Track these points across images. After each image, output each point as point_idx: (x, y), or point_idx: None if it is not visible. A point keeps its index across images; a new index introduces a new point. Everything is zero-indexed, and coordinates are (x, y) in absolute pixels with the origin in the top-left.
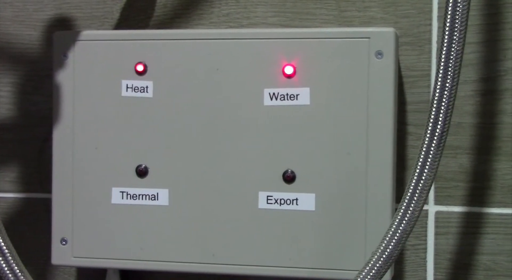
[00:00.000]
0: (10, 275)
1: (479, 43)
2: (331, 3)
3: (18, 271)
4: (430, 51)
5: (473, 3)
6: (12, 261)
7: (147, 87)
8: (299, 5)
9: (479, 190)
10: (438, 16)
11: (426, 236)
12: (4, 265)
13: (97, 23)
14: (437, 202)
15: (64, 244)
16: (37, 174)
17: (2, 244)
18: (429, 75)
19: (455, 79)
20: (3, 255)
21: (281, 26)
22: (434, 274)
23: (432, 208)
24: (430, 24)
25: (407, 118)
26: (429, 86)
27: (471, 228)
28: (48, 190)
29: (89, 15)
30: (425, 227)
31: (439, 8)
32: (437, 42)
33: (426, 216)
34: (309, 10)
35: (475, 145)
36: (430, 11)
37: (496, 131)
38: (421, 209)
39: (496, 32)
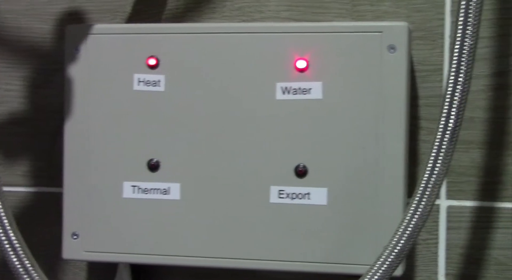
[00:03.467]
0: (21, 270)
1: (491, 37)
2: None
3: (29, 265)
4: (442, 46)
5: None
6: (23, 255)
7: (159, 81)
8: None
9: (491, 185)
10: (451, 11)
11: (437, 230)
12: (15, 260)
13: (109, 17)
14: (449, 196)
15: (75, 238)
16: (48, 168)
17: (13, 238)
18: (441, 69)
19: (468, 74)
20: (14, 250)
21: (293, 20)
22: (446, 269)
23: (444, 203)
24: (443, 19)
25: (419, 113)
26: (441, 80)
27: (483, 223)
28: (59, 184)
29: (101, 8)
30: (436, 221)
31: (452, 2)
32: (450, 36)
33: (438, 210)
34: (322, 4)
35: (487, 140)
36: (443, 6)
37: (508, 126)
38: (433, 204)
39: (509, 27)
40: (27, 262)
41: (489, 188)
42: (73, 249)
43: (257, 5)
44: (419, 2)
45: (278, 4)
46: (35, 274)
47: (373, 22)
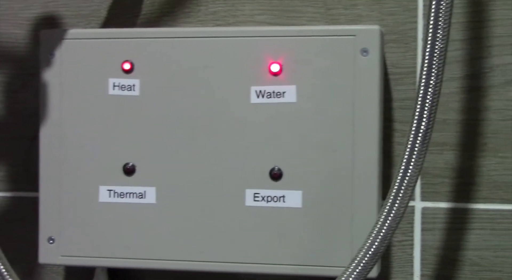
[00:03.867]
0: None
1: (464, 40)
2: (318, 1)
3: (4, 270)
4: (415, 49)
5: (457, 0)
6: None
7: (134, 85)
8: (286, 3)
9: (465, 186)
10: (424, 14)
11: (412, 232)
12: None
13: (84, 22)
14: (424, 198)
15: (51, 243)
16: (25, 172)
17: None
18: (414, 72)
19: (439, 77)
20: None
21: (268, 24)
22: (421, 270)
23: (418, 204)
24: (416, 22)
25: (393, 115)
26: (415, 83)
27: (457, 224)
28: (36, 188)
29: (76, 13)
30: (411, 223)
31: (424, 5)
32: (423, 39)
33: (413, 212)
34: (296, 8)
35: (461, 141)
36: (416, 9)
37: (481, 128)
38: (407, 206)
39: (481, 30)
40: (2, 267)
41: (463, 189)
42: (50, 253)
43: (231, 9)
44: (392, 5)
45: (253, 8)
46: (11, 279)
47: (346, 25)
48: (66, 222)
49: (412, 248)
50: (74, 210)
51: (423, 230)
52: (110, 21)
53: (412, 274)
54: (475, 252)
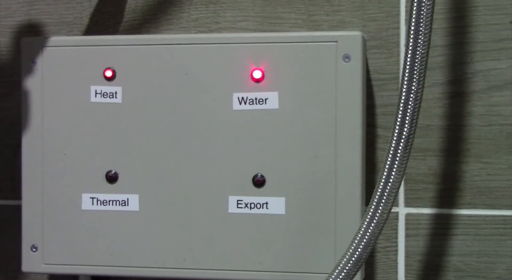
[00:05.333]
0: None
1: (446, 46)
2: (300, 7)
3: None
4: (398, 54)
5: (439, 6)
6: None
7: (116, 93)
8: (268, 9)
9: (448, 192)
10: (406, 20)
11: (396, 238)
12: None
13: (67, 29)
14: (407, 204)
15: (34, 251)
16: (9, 180)
17: None
18: (397, 78)
19: (421, 82)
20: None
21: (250, 30)
22: (405, 276)
23: (402, 210)
24: (398, 28)
25: (376, 121)
26: (397, 89)
27: (441, 230)
28: (20, 196)
29: (58, 21)
30: (395, 229)
31: (406, 11)
32: (405, 45)
33: (397, 218)
34: (278, 15)
35: (444, 147)
36: (398, 15)
37: (464, 133)
38: (390, 212)
39: (463, 35)
40: None
41: (446, 195)
42: (33, 261)
43: (213, 16)
44: (374, 11)
45: (235, 15)
46: None
47: (328, 32)
48: (49, 230)
49: (396, 254)
50: (57, 218)
51: (407, 236)
52: (93, 29)
53: None
54: (459, 258)
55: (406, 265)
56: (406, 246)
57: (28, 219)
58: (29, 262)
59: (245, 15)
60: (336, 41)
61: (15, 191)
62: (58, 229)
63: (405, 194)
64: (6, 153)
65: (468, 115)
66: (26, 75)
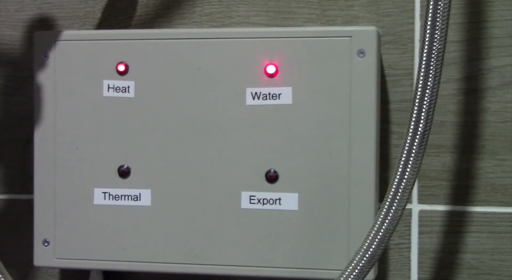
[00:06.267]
0: None
1: (461, 41)
2: (314, 2)
3: None
4: (413, 50)
5: (455, 1)
6: None
7: (128, 87)
8: (282, 4)
9: (462, 189)
10: (421, 15)
11: (410, 235)
12: None
13: (79, 23)
14: (421, 201)
15: (46, 246)
16: (20, 175)
17: None
18: (412, 73)
19: (437, 78)
20: None
21: (263, 25)
22: (418, 273)
23: (415, 207)
24: (413, 23)
25: (390, 117)
26: (412, 85)
27: (454, 227)
28: (31, 191)
29: (70, 15)
30: (408, 226)
31: (421, 6)
32: (420, 40)
33: (410, 215)
34: (291, 9)
35: (458, 144)
36: (413, 10)
37: (479, 130)
38: (404, 208)
39: (479, 31)
40: None
41: (460, 192)
42: (45, 256)
43: (226, 10)
44: (388, 6)
45: (248, 9)
46: None
47: (343, 27)
48: (61, 225)
49: (409, 251)
50: (69, 213)
51: (420, 233)
52: (105, 23)
53: (409, 277)
54: (472, 255)
55: (419, 262)
56: (419, 243)
57: (40, 213)
58: (41, 256)
59: (258, 10)
60: (351, 36)
61: (25, 185)
62: (70, 223)
63: (419, 191)
64: (16, 148)
65: (483, 111)
66: (39, 69)
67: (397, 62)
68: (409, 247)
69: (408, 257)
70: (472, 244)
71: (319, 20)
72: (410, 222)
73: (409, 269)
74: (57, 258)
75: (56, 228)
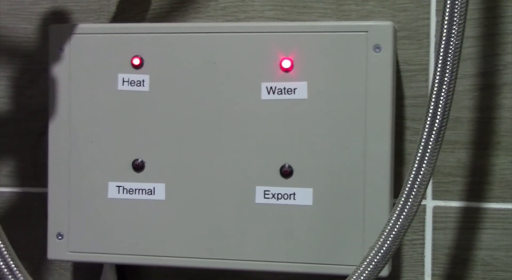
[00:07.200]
0: (5, 270)
1: (477, 37)
2: None
3: (13, 266)
4: (428, 45)
5: None
6: (8, 255)
7: (143, 81)
8: None
9: (477, 185)
10: (437, 10)
11: (424, 231)
12: None
13: (93, 17)
14: (435, 196)
15: (60, 239)
16: (33, 168)
17: None
18: (427, 69)
19: (454, 74)
20: None
21: (278, 19)
22: (432, 269)
23: (430, 203)
24: (429, 18)
25: (404, 113)
26: (427, 80)
27: (469, 223)
28: (43, 184)
29: (85, 8)
30: (423, 222)
31: (437, 1)
32: (436, 36)
33: (424, 211)
34: (306, 4)
35: (473, 140)
36: (429, 5)
37: (494, 126)
38: (419, 204)
39: (495, 26)
40: (11, 262)
41: (475, 188)
42: (58, 249)
43: (241, 4)
44: (404, 1)
45: (263, 3)
46: (20, 275)
47: (359, 21)
48: (75, 218)
49: (423, 247)
50: (83, 206)
51: (434, 229)
52: (119, 16)
53: (423, 273)
54: (487, 252)
55: (433, 259)
56: (433, 239)
57: (54, 207)
58: (55, 249)
59: (273, 4)
60: (367, 31)
61: (38, 178)
62: (84, 217)
63: (433, 187)
64: (29, 141)
65: (498, 107)
66: (54, 63)
67: (412, 58)
68: (423, 243)
69: (422, 253)
70: (487, 241)
71: (334, 14)
72: (424, 218)
73: (423, 265)
74: (71, 252)
75: (70, 221)
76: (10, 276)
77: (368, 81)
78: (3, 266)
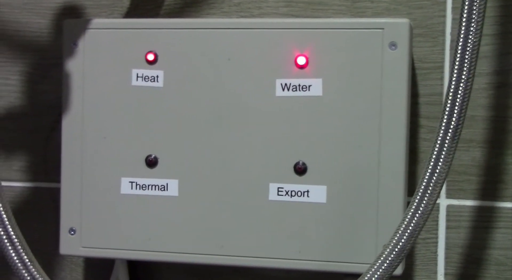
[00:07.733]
0: (19, 264)
1: (494, 35)
2: None
3: (27, 260)
4: (444, 43)
5: None
6: (22, 250)
7: (157, 76)
8: None
9: (491, 184)
10: (453, 8)
11: (437, 229)
12: (13, 255)
13: (107, 12)
14: (449, 195)
15: (72, 234)
16: (44, 163)
17: (12, 233)
18: (442, 67)
19: (471, 72)
20: (13, 244)
21: (292, 16)
22: (445, 268)
23: (443, 202)
24: (444, 16)
25: (419, 111)
26: (442, 78)
27: (482, 222)
28: (55, 179)
29: (98, 3)
30: (436, 220)
31: None
32: (451, 33)
33: (438, 209)
34: (321, 0)
35: (488, 138)
36: (444, 2)
37: (509, 125)
38: (435, 203)
39: (511, 24)
40: (25, 257)
41: (489, 187)
42: (71, 244)
43: (256, 1)
44: None
45: (277, 0)
46: (34, 270)
47: (375, 18)
48: (87, 214)
49: (436, 246)
50: (96, 202)
51: (447, 228)
52: (133, 12)
53: (436, 272)
54: (500, 251)
55: (446, 257)
56: (447, 238)
57: (66, 202)
58: (67, 245)
59: (288, 1)
60: (383, 28)
61: (48, 173)
62: (96, 212)
63: (447, 185)
64: (41, 136)
65: None
66: (68, 57)
67: (427, 56)
68: (436, 242)
69: (435, 252)
70: (500, 240)
71: (349, 11)
72: (437, 217)
73: (436, 264)
74: (83, 247)
75: (83, 217)
76: (24, 271)
77: (384, 79)
78: (17, 261)
